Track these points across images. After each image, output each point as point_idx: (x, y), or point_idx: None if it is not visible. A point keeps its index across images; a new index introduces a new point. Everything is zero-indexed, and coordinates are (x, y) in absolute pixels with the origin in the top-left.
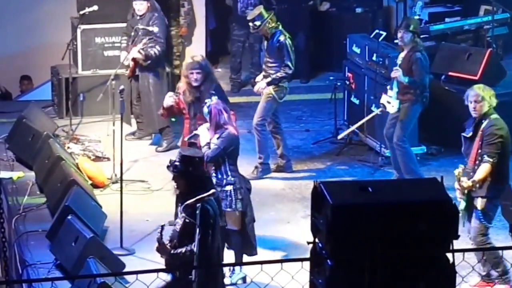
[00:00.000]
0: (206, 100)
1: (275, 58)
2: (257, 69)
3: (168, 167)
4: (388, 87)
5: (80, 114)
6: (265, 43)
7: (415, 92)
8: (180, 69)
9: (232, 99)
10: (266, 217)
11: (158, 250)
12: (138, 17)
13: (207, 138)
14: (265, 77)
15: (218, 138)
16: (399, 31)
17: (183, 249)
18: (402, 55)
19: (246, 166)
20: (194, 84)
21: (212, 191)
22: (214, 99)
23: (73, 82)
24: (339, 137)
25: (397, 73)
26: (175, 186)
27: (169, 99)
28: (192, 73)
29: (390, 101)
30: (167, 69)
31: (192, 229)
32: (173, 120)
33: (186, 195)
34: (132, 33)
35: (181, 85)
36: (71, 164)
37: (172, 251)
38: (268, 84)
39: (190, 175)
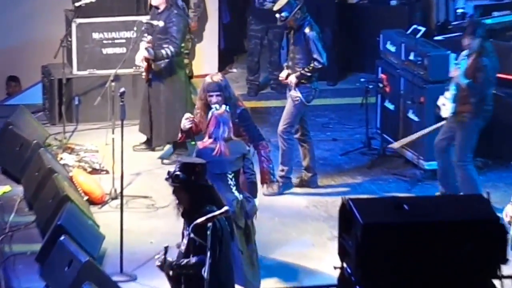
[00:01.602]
0: (212, 106)
1: (302, 53)
2: (276, 69)
3: (167, 178)
4: (447, 88)
5: (75, 120)
6: (291, 36)
7: (475, 103)
8: (189, 69)
9: (248, 104)
10: (287, 239)
11: (160, 267)
12: (157, 12)
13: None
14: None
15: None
16: (465, 37)
17: (189, 260)
18: (464, 53)
19: None
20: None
21: (225, 208)
22: (222, 108)
23: (67, 83)
24: (391, 146)
25: (456, 72)
26: (177, 202)
27: (186, 122)
28: (211, 95)
29: (446, 103)
30: (182, 78)
31: (200, 251)
32: (192, 143)
33: (192, 212)
34: (146, 29)
35: (197, 106)
36: (65, 177)
37: (174, 262)
38: (297, 78)
39: (193, 185)
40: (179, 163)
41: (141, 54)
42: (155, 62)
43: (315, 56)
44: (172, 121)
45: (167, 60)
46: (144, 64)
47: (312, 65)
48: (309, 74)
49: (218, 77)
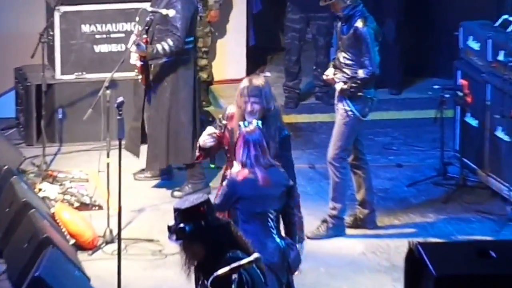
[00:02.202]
0: (240, 123)
1: (353, 52)
2: (323, 73)
3: (170, 236)
4: None
5: (58, 140)
6: (339, 28)
7: None
8: (208, 72)
9: (286, 118)
10: None
11: None
12: None
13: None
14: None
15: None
16: None
17: None
18: None
19: (307, 217)
20: (249, 118)
21: (255, 256)
22: (252, 124)
23: (47, 91)
24: None
25: None
26: (188, 259)
27: (208, 139)
28: (246, 101)
29: None
30: (190, 82)
31: None
32: (213, 166)
33: (210, 263)
34: (147, 18)
35: (229, 113)
36: (45, 214)
37: None
38: (344, 91)
39: (206, 232)
40: (176, 212)
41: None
42: (151, 61)
43: (364, 60)
44: (176, 138)
45: (167, 60)
46: (139, 63)
47: (360, 72)
48: (356, 86)
49: (260, 81)
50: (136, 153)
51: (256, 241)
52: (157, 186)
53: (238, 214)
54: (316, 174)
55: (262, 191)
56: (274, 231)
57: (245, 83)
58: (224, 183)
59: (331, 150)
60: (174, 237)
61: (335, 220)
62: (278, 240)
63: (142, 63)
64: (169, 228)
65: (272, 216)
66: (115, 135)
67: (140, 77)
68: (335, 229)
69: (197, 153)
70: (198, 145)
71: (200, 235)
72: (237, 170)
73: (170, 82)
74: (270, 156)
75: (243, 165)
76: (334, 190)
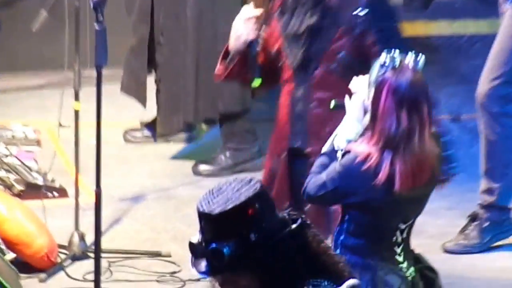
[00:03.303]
0: (379, 59)
1: None
2: None
3: (195, 264)
4: None
5: None
6: None
7: None
8: None
9: (409, 29)
10: None
11: None
12: None
13: (350, 132)
14: None
15: (341, 158)
16: None
17: None
18: None
19: (442, 213)
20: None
21: (352, 282)
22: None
23: None
24: None
25: None
26: None
27: (246, 31)
28: None
29: None
30: None
31: None
32: (257, 83)
33: None
34: None
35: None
36: None
37: None
38: None
39: (258, 254)
40: (204, 220)
41: None
42: None
43: None
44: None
45: None
46: None
47: None
48: None
49: None
50: (140, 97)
51: (366, 269)
52: (168, 153)
53: (345, 220)
54: (463, 132)
55: (403, 197)
56: (401, 255)
57: None
58: (339, 164)
59: (486, 82)
60: (203, 265)
61: (494, 213)
62: (404, 267)
63: None
64: (193, 248)
65: (400, 230)
66: (91, 61)
67: None
68: (495, 229)
69: (218, 67)
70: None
71: (248, 260)
72: (364, 148)
73: None
74: None
75: (384, 142)
76: (489, 158)
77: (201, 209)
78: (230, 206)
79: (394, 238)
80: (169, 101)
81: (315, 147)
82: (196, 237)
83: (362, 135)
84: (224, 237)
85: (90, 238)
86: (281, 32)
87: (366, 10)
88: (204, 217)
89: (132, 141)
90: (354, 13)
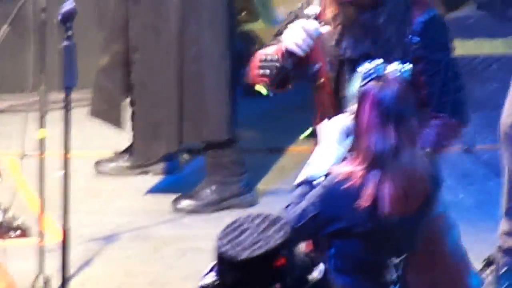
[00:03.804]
0: (360, 69)
1: None
2: None
3: None
4: None
5: None
6: None
7: None
8: None
9: None
10: None
11: None
12: None
13: (329, 158)
14: None
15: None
16: None
17: None
18: None
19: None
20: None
21: None
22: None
23: None
24: None
25: None
26: None
27: (306, 36)
28: None
29: None
30: None
31: None
32: (265, 92)
33: None
34: None
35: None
36: None
37: None
38: None
39: None
40: (224, 264)
41: None
42: None
43: None
44: (197, 90)
45: None
46: None
47: None
48: None
49: None
50: (114, 120)
51: None
52: (145, 186)
53: (330, 255)
54: (477, 164)
55: (392, 223)
56: None
57: None
58: (314, 192)
59: (508, 113)
60: None
61: None
62: None
63: None
64: None
65: (394, 262)
66: (58, 82)
67: None
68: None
69: (258, 70)
70: (274, 49)
71: None
72: (348, 169)
73: None
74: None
75: (370, 160)
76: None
77: (223, 250)
78: (257, 253)
79: (388, 275)
80: (147, 126)
81: None
82: (209, 278)
83: (345, 158)
84: (246, 285)
85: (56, 283)
86: (325, 50)
87: (418, 39)
88: (226, 261)
89: (104, 173)
90: (407, 40)
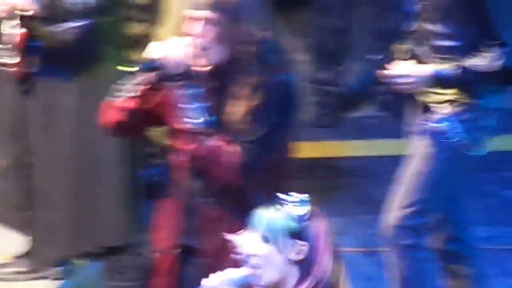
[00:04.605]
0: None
1: (452, 19)
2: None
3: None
4: None
5: None
6: None
7: None
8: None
9: (316, 148)
10: None
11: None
12: None
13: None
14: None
15: None
16: None
17: None
18: None
19: None
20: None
21: None
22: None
23: None
24: None
25: None
26: None
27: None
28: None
29: None
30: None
31: None
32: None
33: None
34: None
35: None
36: None
37: None
38: (442, 81)
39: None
40: None
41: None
42: (48, 30)
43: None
44: (91, 196)
45: (75, 26)
46: (18, 32)
47: (480, 57)
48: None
49: None
50: (14, 223)
51: None
52: None
53: None
54: (380, 266)
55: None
56: None
57: None
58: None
59: (397, 208)
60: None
61: None
62: None
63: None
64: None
65: None
66: None
67: (13, 61)
68: None
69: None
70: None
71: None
72: None
73: (77, 81)
74: None
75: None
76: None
77: None
78: None
79: None
80: (44, 231)
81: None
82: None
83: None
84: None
85: None
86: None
87: None
88: None
89: (1, 279)
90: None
